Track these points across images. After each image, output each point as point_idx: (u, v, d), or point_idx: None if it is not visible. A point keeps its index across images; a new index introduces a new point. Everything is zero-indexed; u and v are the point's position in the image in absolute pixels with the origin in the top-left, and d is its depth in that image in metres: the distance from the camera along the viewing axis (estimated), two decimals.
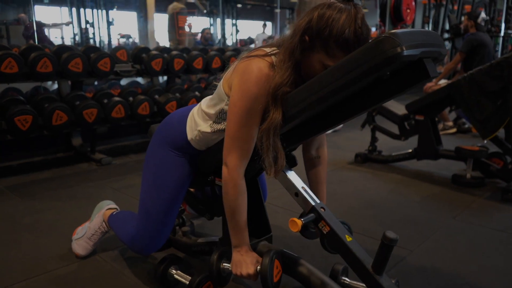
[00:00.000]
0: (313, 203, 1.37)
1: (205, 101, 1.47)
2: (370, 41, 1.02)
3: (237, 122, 1.24)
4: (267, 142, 1.22)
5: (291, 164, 1.48)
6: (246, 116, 1.23)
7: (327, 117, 1.23)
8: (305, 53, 1.20)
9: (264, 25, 11.13)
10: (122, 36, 11.69)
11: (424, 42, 1.02)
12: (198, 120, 1.45)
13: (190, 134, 1.47)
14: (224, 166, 1.30)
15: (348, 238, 1.32)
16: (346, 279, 1.51)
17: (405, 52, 0.96)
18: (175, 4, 6.76)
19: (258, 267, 1.32)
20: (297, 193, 1.40)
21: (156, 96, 3.74)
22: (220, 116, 1.38)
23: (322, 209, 1.36)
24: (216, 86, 1.42)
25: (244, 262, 1.32)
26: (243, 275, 1.31)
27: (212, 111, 1.40)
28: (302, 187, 1.41)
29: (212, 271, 1.37)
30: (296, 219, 1.28)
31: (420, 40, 1.02)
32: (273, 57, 1.25)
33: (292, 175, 1.43)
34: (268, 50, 1.27)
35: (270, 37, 10.02)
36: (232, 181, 1.29)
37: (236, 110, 1.23)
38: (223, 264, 1.39)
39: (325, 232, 1.34)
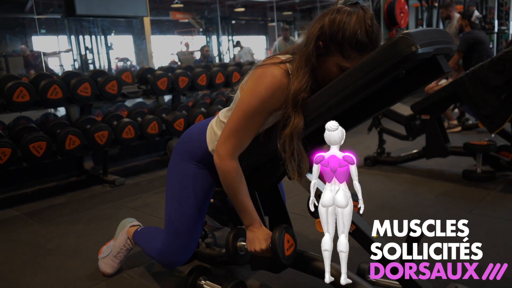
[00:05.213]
0: None
1: (223, 112, 1.51)
2: (385, 42, 1.07)
3: (241, 117, 1.30)
4: (290, 147, 1.26)
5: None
6: (251, 115, 1.29)
7: (346, 119, 1.27)
8: (321, 58, 1.25)
9: (238, 43, 10.96)
10: (120, 60, 11.83)
11: (436, 39, 1.08)
12: (218, 131, 1.49)
13: (211, 145, 1.51)
14: (216, 154, 1.36)
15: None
16: None
17: (420, 50, 1.02)
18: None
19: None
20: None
21: (164, 115, 3.79)
22: None
23: None
24: (232, 98, 1.47)
25: (257, 238, 1.35)
26: (257, 250, 1.34)
27: None
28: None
29: (228, 250, 1.41)
30: None
31: (433, 38, 1.07)
32: (288, 64, 1.31)
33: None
34: (283, 57, 1.33)
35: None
36: (225, 168, 1.34)
37: (244, 107, 1.30)
38: (240, 242, 1.42)
39: (351, 231, 1.38)
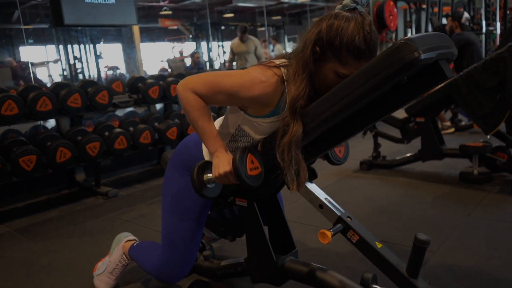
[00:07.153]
0: (339, 214, 1.37)
1: (218, 123, 1.48)
2: (387, 48, 1.04)
3: (218, 82, 1.26)
4: (289, 156, 1.22)
5: (311, 176, 1.49)
6: (229, 90, 1.25)
7: (346, 127, 1.24)
8: (317, 64, 1.22)
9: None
10: (110, 68, 11.74)
11: (438, 44, 1.05)
12: None
13: (207, 156, 1.47)
14: (181, 83, 1.29)
15: (379, 245, 1.32)
16: (377, 286, 1.50)
17: (423, 56, 0.99)
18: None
19: None
20: (321, 205, 1.41)
21: (156, 124, 3.74)
22: (236, 133, 1.39)
23: (348, 219, 1.37)
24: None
25: (221, 163, 1.29)
26: (221, 174, 1.28)
27: (226, 130, 1.41)
28: (326, 198, 1.42)
29: (194, 184, 1.32)
30: (325, 231, 1.28)
31: (434, 43, 1.04)
32: (282, 69, 1.27)
33: (313, 188, 1.44)
34: (277, 62, 1.30)
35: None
36: (186, 96, 1.28)
37: (228, 79, 1.26)
38: (206, 175, 1.34)
39: (354, 241, 1.35)
